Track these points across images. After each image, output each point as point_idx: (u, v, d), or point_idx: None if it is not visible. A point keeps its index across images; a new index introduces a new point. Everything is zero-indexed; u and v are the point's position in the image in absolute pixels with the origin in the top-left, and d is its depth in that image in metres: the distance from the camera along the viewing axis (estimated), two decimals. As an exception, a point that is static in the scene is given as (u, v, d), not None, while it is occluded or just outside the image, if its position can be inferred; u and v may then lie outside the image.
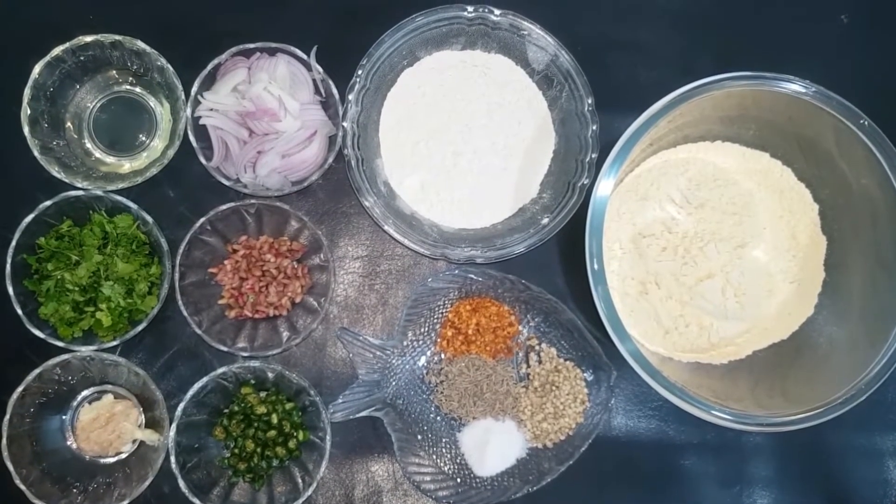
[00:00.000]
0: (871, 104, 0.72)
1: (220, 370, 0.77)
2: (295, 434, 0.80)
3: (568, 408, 0.80)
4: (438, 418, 0.81)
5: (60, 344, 0.77)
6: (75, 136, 0.84)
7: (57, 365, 0.76)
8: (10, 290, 0.75)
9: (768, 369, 0.78)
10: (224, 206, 0.78)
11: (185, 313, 0.77)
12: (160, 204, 0.82)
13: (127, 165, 0.85)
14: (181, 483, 0.74)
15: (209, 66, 0.79)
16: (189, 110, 0.79)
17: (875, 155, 0.71)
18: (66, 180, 0.78)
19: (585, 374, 0.81)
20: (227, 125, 0.79)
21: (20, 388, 0.75)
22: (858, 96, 0.72)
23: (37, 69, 0.78)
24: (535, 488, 0.79)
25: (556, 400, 0.80)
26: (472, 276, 0.81)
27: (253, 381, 0.81)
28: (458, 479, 0.80)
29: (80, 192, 0.77)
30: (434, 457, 0.80)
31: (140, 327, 0.77)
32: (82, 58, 0.80)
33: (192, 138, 0.79)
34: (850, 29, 0.90)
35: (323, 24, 0.86)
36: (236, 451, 0.80)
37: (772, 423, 0.69)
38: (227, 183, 0.80)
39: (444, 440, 0.81)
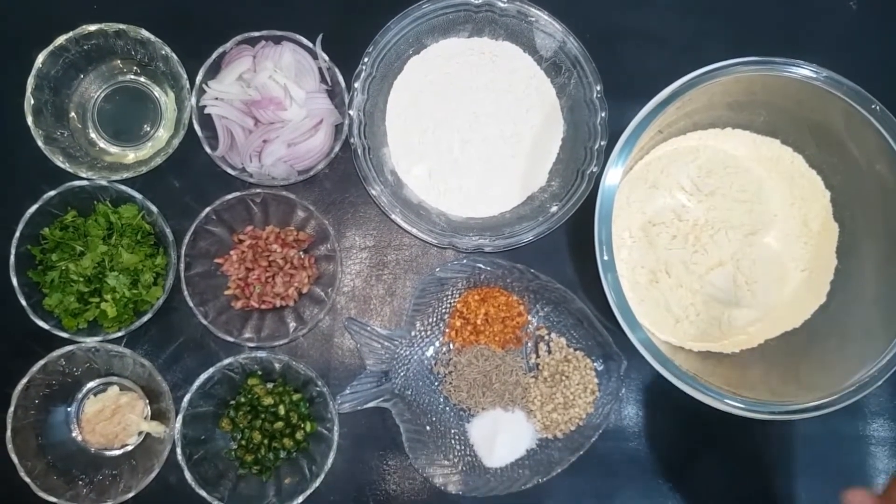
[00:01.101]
0: (881, 90, 0.71)
1: (227, 361, 0.76)
2: (302, 425, 0.79)
3: (578, 398, 0.79)
4: (447, 409, 0.81)
5: (65, 335, 0.76)
6: (79, 126, 0.83)
7: (62, 356, 0.75)
8: (15, 281, 0.75)
9: (781, 357, 0.77)
10: (229, 196, 0.77)
11: (190, 304, 0.76)
12: (165, 194, 0.81)
13: (131, 155, 0.84)
14: (188, 475, 0.74)
15: (214, 55, 0.79)
16: (194, 99, 0.79)
17: (887, 140, 0.71)
18: (71, 170, 0.77)
19: (595, 364, 0.81)
20: (232, 114, 0.79)
21: (25, 380, 0.74)
22: (868, 82, 0.71)
23: (40, 59, 0.77)
24: (544, 479, 0.78)
25: (565, 390, 0.79)
26: (481, 265, 0.80)
27: (260, 372, 0.80)
28: (468, 470, 0.79)
29: (85, 183, 0.77)
30: (443, 448, 0.79)
31: (145, 318, 0.77)
32: (86, 47, 0.80)
33: (196, 128, 0.78)
34: (859, 15, 0.90)
35: (328, 12, 0.85)
36: (243, 442, 0.79)
37: (785, 411, 0.68)
38: (232, 172, 0.79)
39: (452, 431, 0.80)
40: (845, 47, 0.89)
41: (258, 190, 0.78)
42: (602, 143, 0.79)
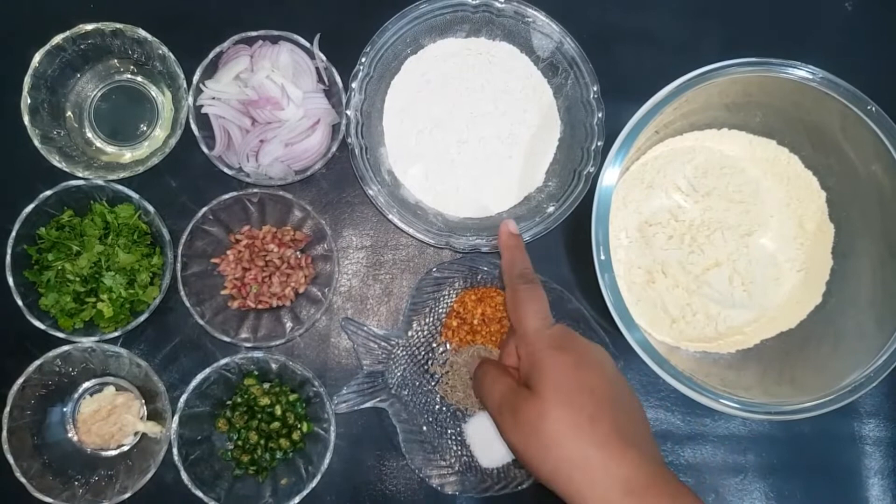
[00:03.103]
0: (877, 91, 0.71)
1: (223, 361, 0.76)
2: (299, 426, 0.79)
3: (574, 398, 0.79)
4: (444, 409, 0.81)
5: (61, 335, 0.76)
6: (76, 126, 0.83)
7: (58, 356, 0.75)
8: (11, 280, 0.74)
9: (777, 358, 0.77)
10: (226, 196, 0.77)
11: (187, 304, 0.76)
12: (162, 193, 0.81)
13: (128, 155, 0.84)
14: (184, 475, 0.74)
15: (211, 55, 0.78)
16: (191, 99, 0.78)
17: (883, 141, 0.71)
18: (67, 170, 0.77)
19: (592, 364, 0.81)
20: (229, 114, 0.79)
21: (20, 380, 0.74)
22: (864, 83, 0.71)
23: (37, 58, 0.77)
24: (541, 479, 0.78)
25: (562, 390, 0.79)
26: (478, 265, 0.80)
27: (256, 373, 0.80)
28: (464, 470, 0.79)
29: (81, 182, 0.76)
30: (439, 448, 0.79)
31: (142, 318, 0.76)
32: (83, 46, 0.80)
33: (193, 127, 0.78)
34: (855, 15, 0.90)
35: (326, 12, 0.85)
36: (240, 443, 0.79)
37: (780, 411, 0.68)
38: (229, 172, 0.79)
39: (449, 431, 0.80)
40: (841, 48, 0.89)
41: (255, 190, 0.78)
42: (599, 143, 0.79)
